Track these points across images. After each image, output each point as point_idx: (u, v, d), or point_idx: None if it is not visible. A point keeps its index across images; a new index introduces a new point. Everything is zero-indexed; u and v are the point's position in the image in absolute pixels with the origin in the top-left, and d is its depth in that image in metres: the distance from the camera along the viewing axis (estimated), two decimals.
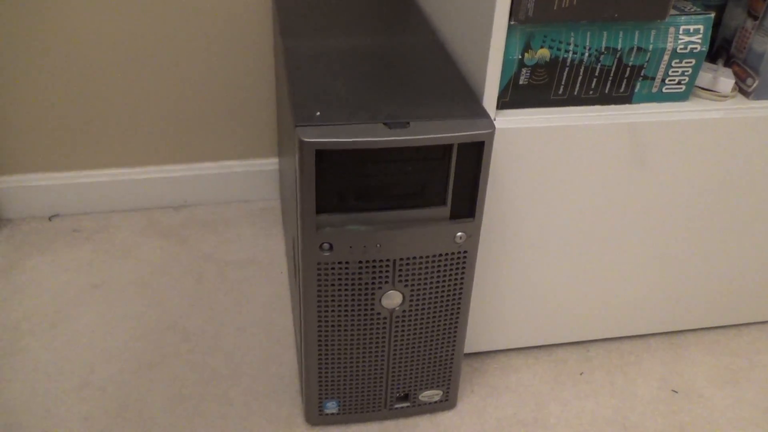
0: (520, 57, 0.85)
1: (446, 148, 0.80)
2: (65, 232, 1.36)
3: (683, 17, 0.87)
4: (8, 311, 1.17)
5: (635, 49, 0.87)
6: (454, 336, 0.95)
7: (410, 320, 0.91)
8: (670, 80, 0.91)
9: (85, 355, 1.09)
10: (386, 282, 0.86)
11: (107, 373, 1.07)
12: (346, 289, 0.86)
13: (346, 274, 0.85)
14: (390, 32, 1.02)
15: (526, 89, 0.88)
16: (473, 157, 0.81)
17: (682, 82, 0.92)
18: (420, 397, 1.00)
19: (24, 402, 1.01)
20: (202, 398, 1.03)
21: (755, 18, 0.94)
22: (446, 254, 0.86)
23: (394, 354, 0.94)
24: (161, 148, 1.38)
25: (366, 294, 0.87)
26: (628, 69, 0.89)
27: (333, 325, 0.89)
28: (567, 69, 0.87)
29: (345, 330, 0.90)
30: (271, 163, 1.44)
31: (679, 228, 1.02)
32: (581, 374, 1.10)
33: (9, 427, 0.98)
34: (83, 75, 1.27)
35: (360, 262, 0.84)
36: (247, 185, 1.45)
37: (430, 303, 0.90)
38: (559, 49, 0.86)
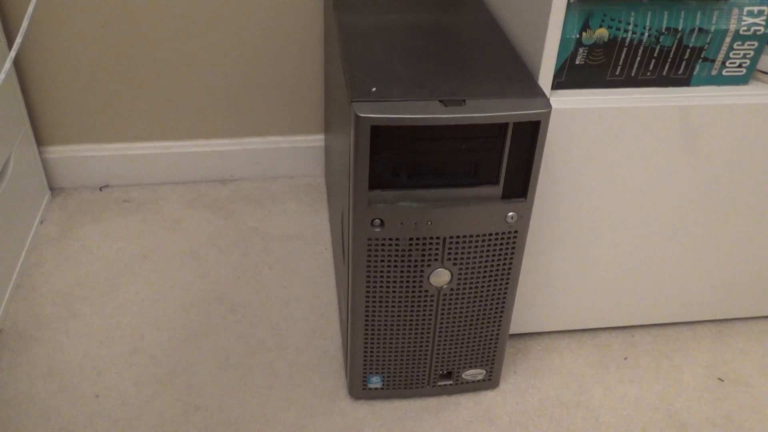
0: (577, 36, 0.84)
1: (501, 127, 0.79)
2: (115, 202, 1.38)
3: None
4: (61, 278, 1.20)
5: (696, 30, 0.86)
6: (500, 316, 0.95)
7: (457, 299, 0.91)
8: (730, 63, 0.89)
9: (135, 322, 1.12)
10: (435, 260, 0.87)
11: (156, 340, 1.09)
12: (395, 266, 0.87)
13: (396, 250, 0.85)
14: (444, 9, 1.02)
15: (583, 69, 0.87)
16: (528, 136, 0.80)
17: (743, 65, 0.90)
18: (463, 376, 1.00)
19: (77, 365, 1.04)
20: (248, 369, 1.05)
21: None
22: (497, 234, 0.86)
23: (440, 332, 0.94)
24: (210, 122, 1.40)
25: (415, 271, 0.87)
26: (688, 50, 0.87)
27: (380, 301, 0.90)
28: (625, 49, 0.86)
29: (392, 306, 0.91)
30: (316, 140, 1.44)
31: (731, 214, 1.00)
32: (625, 359, 1.09)
33: (63, 388, 1.01)
34: (135, 49, 1.29)
35: (410, 239, 0.84)
36: (293, 161, 1.46)
37: (478, 282, 0.90)
38: (618, 29, 0.84)
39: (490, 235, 0.86)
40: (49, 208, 1.36)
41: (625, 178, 0.94)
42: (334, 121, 1.08)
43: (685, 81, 0.90)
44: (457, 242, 0.85)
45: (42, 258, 1.24)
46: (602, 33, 0.84)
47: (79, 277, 1.20)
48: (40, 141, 1.37)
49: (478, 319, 0.94)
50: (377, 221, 0.83)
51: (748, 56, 0.89)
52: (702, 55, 0.88)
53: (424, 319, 0.92)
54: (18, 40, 0.80)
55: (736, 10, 0.85)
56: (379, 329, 0.93)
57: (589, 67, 0.87)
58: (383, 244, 0.85)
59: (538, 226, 0.97)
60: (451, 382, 1.01)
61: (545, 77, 0.85)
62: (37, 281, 1.19)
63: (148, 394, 1.01)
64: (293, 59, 1.34)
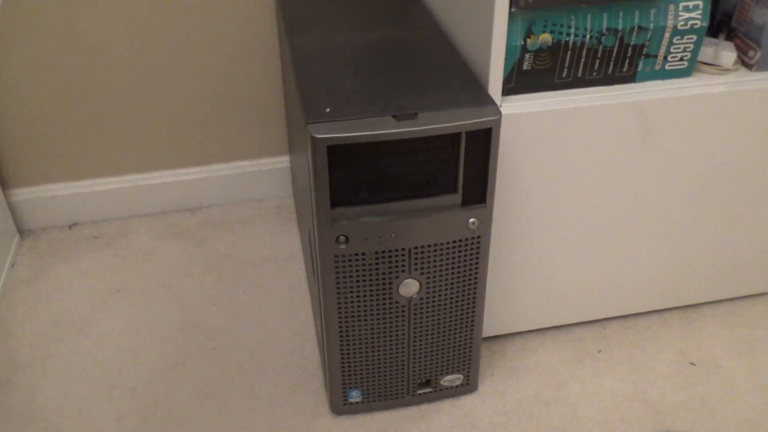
0: (522, 43, 0.86)
1: (454, 137, 0.81)
2: (85, 239, 1.38)
3: None
4: (35, 319, 1.20)
5: (636, 29, 0.89)
6: (472, 320, 0.96)
7: (428, 307, 0.93)
8: (672, 57, 0.92)
9: (113, 357, 1.12)
10: (403, 271, 0.88)
11: (135, 374, 1.09)
12: (363, 280, 0.88)
13: (363, 265, 0.87)
14: (393, 25, 1.04)
15: (530, 74, 0.89)
16: (481, 144, 0.82)
17: (685, 58, 0.93)
18: (441, 382, 1.02)
19: (57, 405, 1.04)
20: (228, 394, 1.06)
21: None
22: (460, 240, 0.88)
23: (414, 341, 0.96)
24: (174, 152, 1.41)
25: (383, 283, 0.89)
26: (630, 48, 0.90)
27: (353, 316, 0.91)
28: (569, 52, 0.89)
29: (365, 320, 0.92)
30: (282, 161, 1.46)
31: (688, 203, 1.03)
32: (599, 352, 1.11)
33: (45, 430, 1.00)
34: (94, 84, 1.29)
35: (376, 252, 0.86)
36: (260, 184, 1.47)
37: (446, 289, 0.92)
38: (560, 33, 0.87)
39: (454, 242, 0.88)
40: (19, 251, 1.36)
41: (581, 175, 0.96)
42: (295, 142, 1.10)
43: (630, 78, 0.93)
44: (422, 252, 0.87)
45: (15, 301, 1.24)
46: (546, 38, 0.87)
47: (53, 317, 1.20)
48: (4, 184, 1.37)
49: (450, 325, 0.96)
50: (342, 238, 0.84)
51: (688, 49, 0.92)
52: (644, 52, 0.91)
53: (397, 330, 0.94)
54: None
55: (672, 7, 0.88)
56: (354, 343, 0.94)
57: (536, 72, 0.89)
58: (350, 260, 0.86)
59: (501, 230, 0.99)
60: (430, 389, 1.02)
61: (495, 85, 0.87)
62: (12, 325, 1.19)
63: (130, 429, 1.01)
64: (252, 84, 1.36)
